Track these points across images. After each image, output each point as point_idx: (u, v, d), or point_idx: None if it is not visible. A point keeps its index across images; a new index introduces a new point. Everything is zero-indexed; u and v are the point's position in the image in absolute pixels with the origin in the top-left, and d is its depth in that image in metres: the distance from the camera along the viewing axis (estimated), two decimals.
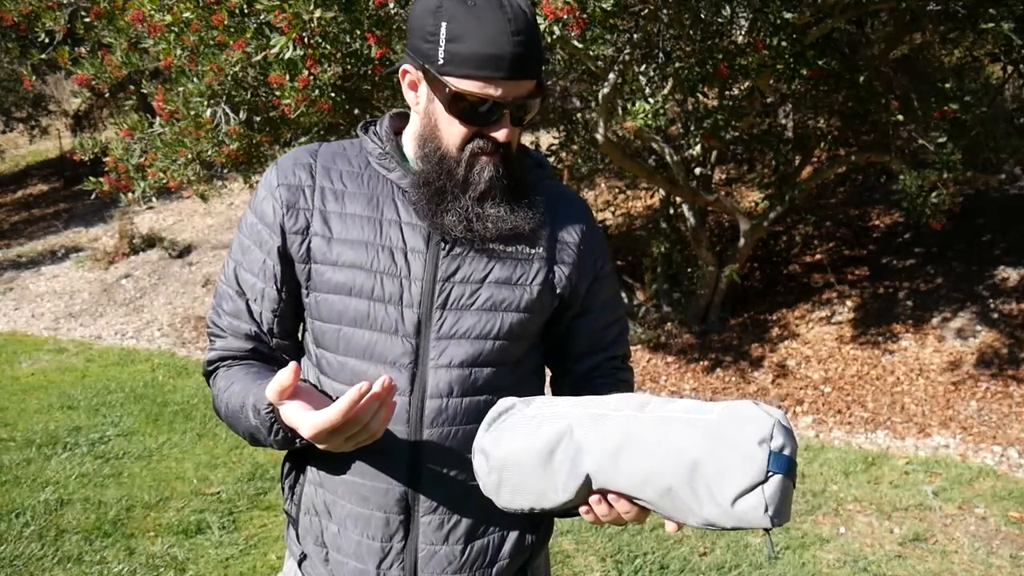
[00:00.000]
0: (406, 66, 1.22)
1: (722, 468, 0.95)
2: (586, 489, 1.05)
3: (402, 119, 1.31)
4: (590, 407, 1.07)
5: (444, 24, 1.12)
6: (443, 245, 1.21)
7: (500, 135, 1.16)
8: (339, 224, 1.22)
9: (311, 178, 1.24)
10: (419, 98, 1.22)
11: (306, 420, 1.06)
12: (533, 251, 1.25)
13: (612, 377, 1.36)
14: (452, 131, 1.18)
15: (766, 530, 0.97)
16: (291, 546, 1.33)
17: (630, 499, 1.03)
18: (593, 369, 1.36)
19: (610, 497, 1.05)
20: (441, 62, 1.14)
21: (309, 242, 1.22)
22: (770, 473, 0.94)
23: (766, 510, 0.94)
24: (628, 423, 1.02)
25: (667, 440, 0.98)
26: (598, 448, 1.02)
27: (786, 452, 0.95)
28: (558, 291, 1.27)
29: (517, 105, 1.16)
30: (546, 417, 1.09)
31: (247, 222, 1.27)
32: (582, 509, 1.08)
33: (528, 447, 1.07)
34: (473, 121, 1.16)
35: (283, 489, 1.34)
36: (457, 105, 1.15)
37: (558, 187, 1.35)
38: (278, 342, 1.28)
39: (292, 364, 1.07)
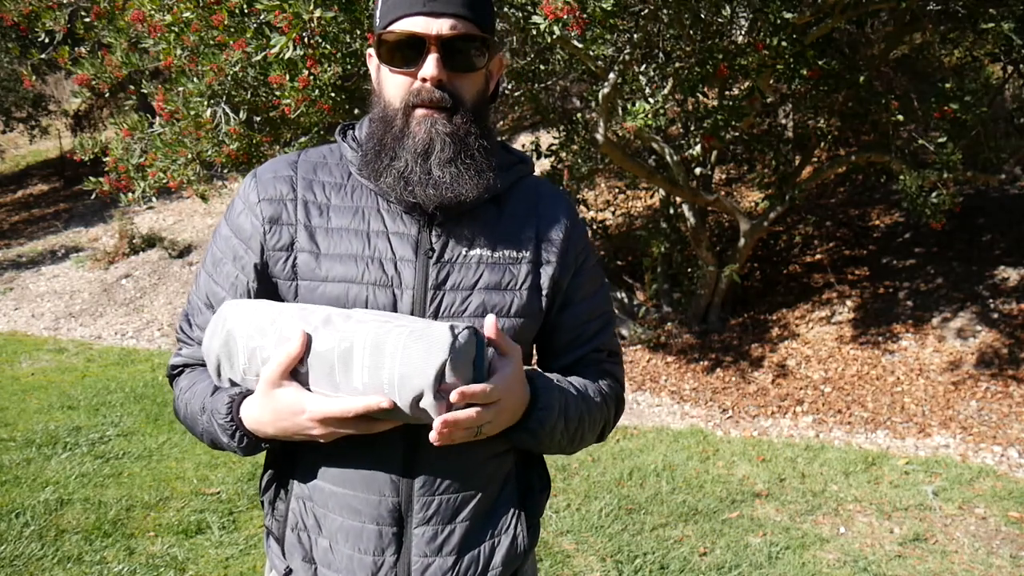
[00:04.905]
0: (368, 51, 1.25)
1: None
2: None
3: None
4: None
5: None
6: (431, 253, 1.20)
7: (426, 70, 1.15)
8: (326, 239, 1.20)
9: (292, 191, 1.22)
10: (373, 73, 1.25)
11: (317, 405, 1.08)
12: (520, 255, 1.24)
13: (596, 366, 1.35)
14: (391, 83, 1.19)
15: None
16: (274, 561, 1.29)
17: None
18: (577, 361, 1.34)
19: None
20: (377, 23, 1.19)
21: (295, 258, 1.20)
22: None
23: (455, 335, 1.05)
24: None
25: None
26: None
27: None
28: (544, 292, 1.26)
29: (444, 43, 1.15)
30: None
31: (221, 234, 1.25)
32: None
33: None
34: (402, 63, 1.16)
35: (263, 504, 1.31)
36: (386, 51, 1.17)
37: (540, 183, 1.34)
38: None
39: (301, 333, 1.07)
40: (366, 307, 1.18)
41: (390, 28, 1.16)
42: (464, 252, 1.21)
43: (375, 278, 1.19)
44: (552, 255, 1.27)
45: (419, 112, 1.17)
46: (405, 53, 1.16)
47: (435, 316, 1.19)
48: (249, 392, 1.16)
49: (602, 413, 1.31)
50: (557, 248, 1.27)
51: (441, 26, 1.14)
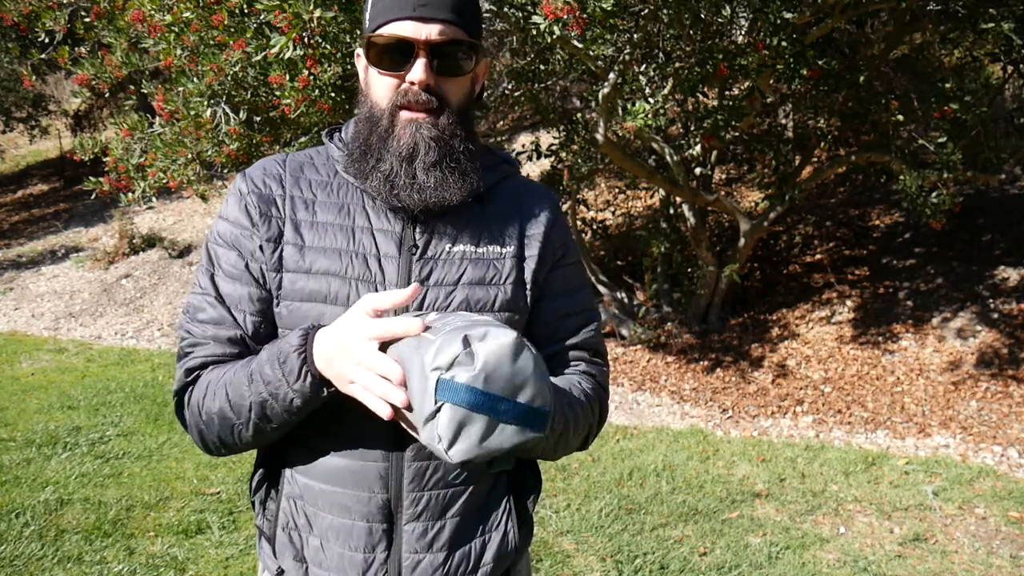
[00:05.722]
0: (358, 51, 1.26)
1: (417, 393, 0.92)
2: None
3: None
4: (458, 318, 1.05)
5: None
6: (414, 250, 1.22)
7: (414, 74, 1.16)
8: (311, 233, 1.22)
9: (281, 187, 1.24)
10: (361, 74, 1.26)
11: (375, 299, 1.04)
12: (504, 251, 1.25)
13: (576, 365, 1.32)
14: (378, 86, 1.20)
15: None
16: (266, 561, 1.29)
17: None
18: (554, 356, 1.31)
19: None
20: (367, 25, 1.21)
21: (281, 251, 1.21)
22: (439, 402, 0.89)
23: (439, 441, 0.89)
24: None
25: (412, 361, 0.95)
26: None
27: (460, 378, 0.88)
28: (528, 286, 1.28)
29: (433, 48, 1.16)
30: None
31: (219, 231, 1.24)
32: None
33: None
34: (390, 66, 1.18)
35: (253, 504, 1.30)
36: (375, 54, 1.19)
37: (524, 183, 1.36)
38: (261, 348, 1.21)
39: (415, 285, 1.05)
40: (348, 303, 1.18)
41: (379, 31, 1.17)
42: (448, 248, 1.23)
43: (358, 273, 1.20)
44: (533, 249, 1.28)
45: (405, 115, 1.19)
46: (394, 56, 1.17)
47: (419, 311, 1.20)
48: (320, 326, 1.12)
49: (586, 417, 1.27)
50: (539, 243, 1.29)
51: (430, 31, 1.16)
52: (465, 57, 1.20)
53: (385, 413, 0.99)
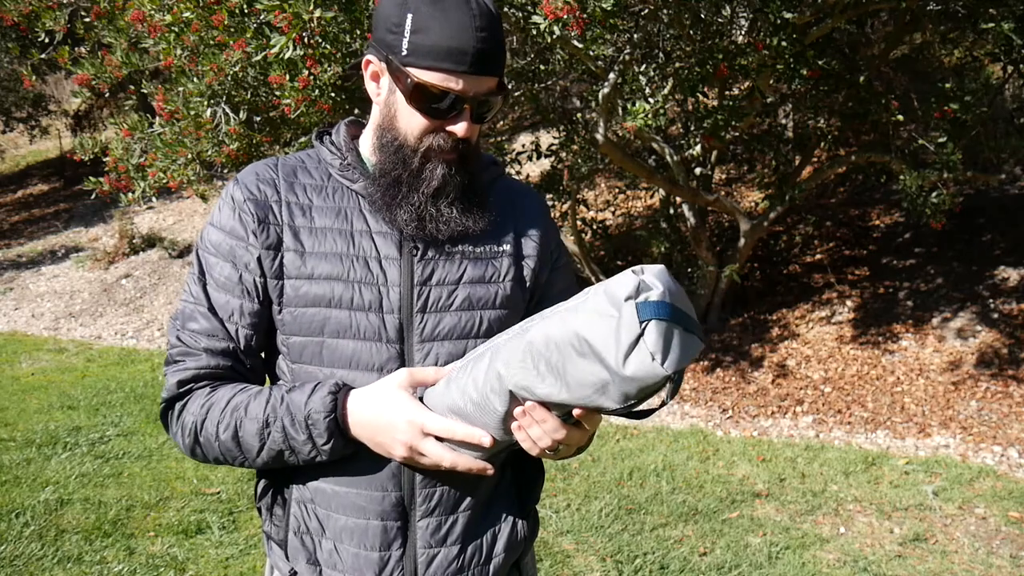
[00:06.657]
0: (369, 56, 1.23)
1: (604, 336, 0.96)
2: (512, 402, 1.08)
3: (358, 126, 1.33)
4: (500, 338, 1.13)
5: (409, 16, 1.14)
6: (415, 251, 1.23)
7: (460, 130, 1.17)
8: (310, 238, 1.22)
9: (276, 193, 1.24)
10: (380, 89, 1.23)
11: (438, 421, 1.13)
12: (501, 249, 1.29)
13: None
14: (411, 122, 1.19)
15: (668, 379, 0.95)
16: (277, 563, 1.29)
17: (546, 407, 1.06)
18: None
19: (527, 405, 1.06)
20: (404, 53, 1.15)
21: (281, 257, 1.22)
22: (643, 323, 0.94)
23: (653, 359, 0.94)
24: (531, 332, 1.05)
25: (559, 331, 1.01)
26: (514, 362, 1.06)
27: (652, 298, 0.95)
28: (528, 284, 1.31)
29: (478, 102, 1.17)
30: (471, 364, 1.14)
31: (211, 240, 1.24)
32: (513, 426, 1.10)
33: (464, 386, 1.13)
34: (433, 114, 1.17)
35: (260, 511, 1.30)
36: (418, 97, 1.16)
37: (513, 183, 1.39)
38: (252, 362, 1.25)
39: (452, 364, 1.14)
40: (352, 305, 1.20)
41: (426, 75, 1.14)
42: (447, 248, 1.24)
43: (360, 276, 1.21)
44: (532, 249, 1.32)
45: (436, 157, 1.20)
46: (438, 104, 1.17)
47: (423, 311, 1.22)
48: (348, 386, 1.17)
49: None
50: (536, 243, 1.33)
51: (479, 88, 1.16)
52: (499, 103, 1.22)
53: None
